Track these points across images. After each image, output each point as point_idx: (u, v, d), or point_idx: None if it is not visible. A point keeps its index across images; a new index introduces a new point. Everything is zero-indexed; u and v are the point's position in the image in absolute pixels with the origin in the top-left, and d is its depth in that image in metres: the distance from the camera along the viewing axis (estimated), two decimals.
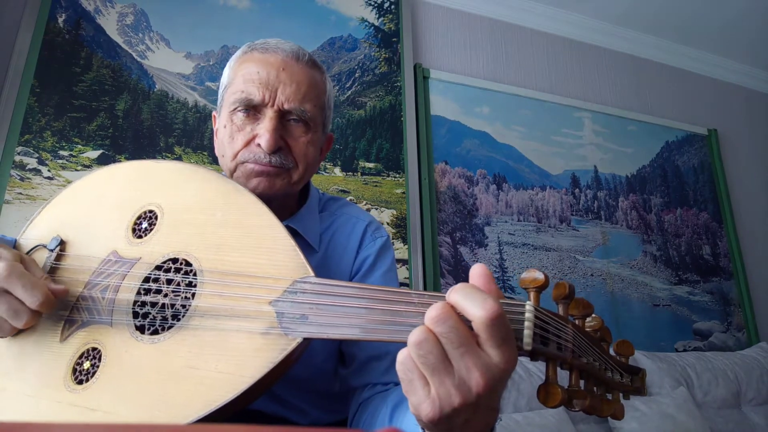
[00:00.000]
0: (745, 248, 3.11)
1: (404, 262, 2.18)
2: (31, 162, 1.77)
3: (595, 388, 0.53)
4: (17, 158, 1.75)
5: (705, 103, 3.35)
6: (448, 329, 0.46)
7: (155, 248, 0.71)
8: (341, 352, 0.94)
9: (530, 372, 2.02)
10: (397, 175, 2.32)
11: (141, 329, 0.66)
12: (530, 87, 2.81)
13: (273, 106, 0.84)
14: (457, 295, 0.47)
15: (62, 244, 0.76)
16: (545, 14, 2.92)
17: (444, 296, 0.50)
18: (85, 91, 1.90)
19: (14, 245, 0.80)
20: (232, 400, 0.57)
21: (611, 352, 0.57)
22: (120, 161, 1.88)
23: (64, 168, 1.81)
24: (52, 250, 0.75)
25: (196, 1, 2.18)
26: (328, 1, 2.43)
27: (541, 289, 0.52)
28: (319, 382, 0.91)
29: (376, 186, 2.27)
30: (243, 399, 0.58)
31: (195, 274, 0.67)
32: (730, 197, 3.16)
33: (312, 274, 0.61)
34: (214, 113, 0.98)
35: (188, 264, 0.69)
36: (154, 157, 1.95)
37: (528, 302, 0.50)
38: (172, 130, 2.01)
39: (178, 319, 0.65)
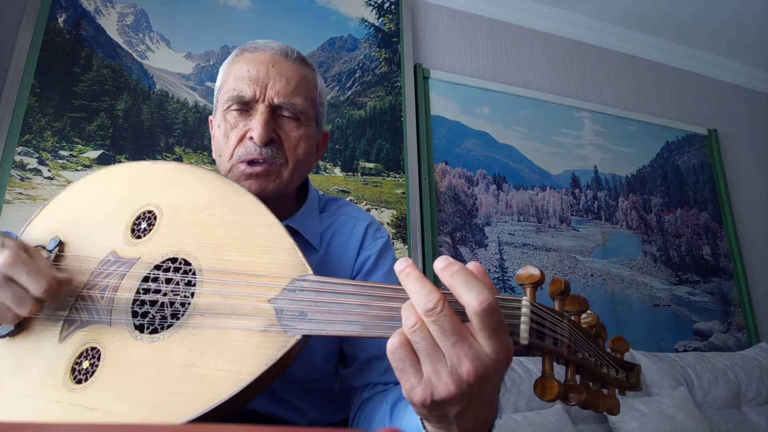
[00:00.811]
0: (745, 248, 3.11)
1: None
2: (32, 162, 1.77)
3: (591, 383, 0.54)
4: (17, 158, 1.75)
5: (705, 103, 3.35)
6: (442, 318, 0.47)
7: (154, 248, 0.71)
8: (342, 352, 0.94)
9: (530, 372, 2.02)
10: (397, 176, 2.32)
11: (140, 328, 0.66)
12: (530, 87, 2.81)
13: (264, 101, 0.86)
14: (454, 280, 0.48)
15: (61, 244, 0.76)
16: (545, 14, 2.92)
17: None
18: (85, 91, 1.90)
19: None
20: (232, 398, 0.57)
21: (607, 348, 0.58)
22: (120, 161, 1.88)
23: (64, 168, 1.81)
24: (50, 251, 0.75)
25: (196, 1, 2.19)
26: (328, 1, 2.43)
27: (537, 284, 0.52)
28: (320, 383, 0.92)
29: (376, 186, 2.27)
30: (243, 396, 0.58)
31: (194, 273, 0.67)
32: (730, 197, 3.16)
33: (311, 272, 0.61)
34: (210, 118, 1.00)
35: (187, 263, 0.69)
36: (154, 158, 1.95)
37: (524, 297, 0.51)
38: (172, 130, 2.01)
39: (178, 318, 0.65)
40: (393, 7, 2.54)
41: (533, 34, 2.93)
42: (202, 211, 0.72)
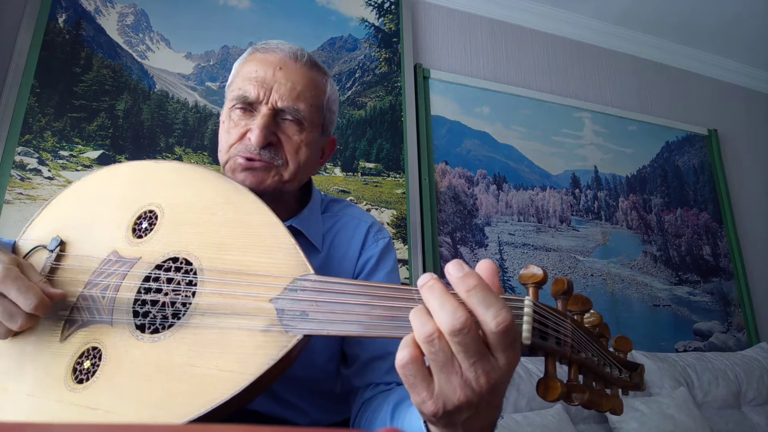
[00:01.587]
0: (745, 248, 3.11)
1: (404, 262, 2.18)
2: (32, 162, 1.77)
3: (594, 383, 0.53)
4: (17, 158, 1.75)
5: (705, 103, 3.35)
6: (470, 340, 0.45)
7: (155, 248, 0.71)
8: (343, 352, 0.94)
9: (530, 372, 2.02)
10: (398, 176, 2.32)
11: (141, 328, 0.66)
12: (530, 87, 2.81)
13: (267, 103, 0.86)
14: (472, 297, 0.46)
15: (62, 244, 0.76)
16: (545, 14, 2.92)
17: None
18: (85, 91, 1.90)
19: (13, 247, 0.80)
20: (233, 398, 0.57)
21: (610, 348, 0.57)
22: (120, 161, 1.88)
23: (64, 168, 1.81)
24: (52, 251, 0.75)
25: (196, 1, 2.19)
26: (328, 1, 2.43)
27: (539, 284, 0.52)
28: (322, 383, 0.92)
29: (376, 186, 2.27)
30: (244, 396, 0.58)
31: (195, 273, 0.67)
32: (730, 197, 3.16)
33: (312, 271, 0.61)
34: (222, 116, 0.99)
35: (188, 263, 0.69)
36: (154, 157, 1.95)
37: (527, 297, 0.50)
38: (172, 130, 2.01)
39: (179, 318, 0.65)
40: (393, 7, 2.54)
41: (533, 34, 2.93)
42: (203, 211, 0.72)
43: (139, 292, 0.69)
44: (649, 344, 2.58)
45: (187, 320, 0.64)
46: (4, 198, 1.70)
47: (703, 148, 3.22)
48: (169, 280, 0.68)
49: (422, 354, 0.47)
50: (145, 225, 0.75)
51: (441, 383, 0.47)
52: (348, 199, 2.16)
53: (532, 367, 2.04)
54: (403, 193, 2.29)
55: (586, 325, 0.55)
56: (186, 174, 0.78)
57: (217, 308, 0.63)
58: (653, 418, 2.00)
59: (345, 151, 2.28)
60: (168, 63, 2.09)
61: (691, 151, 3.18)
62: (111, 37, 2.02)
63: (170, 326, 0.65)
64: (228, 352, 0.60)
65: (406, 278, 2.16)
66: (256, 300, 0.61)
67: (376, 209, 2.22)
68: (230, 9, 2.23)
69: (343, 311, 0.56)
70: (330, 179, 2.21)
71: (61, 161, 1.81)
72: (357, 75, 2.41)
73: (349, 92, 2.38)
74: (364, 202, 2.22)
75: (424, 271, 2.20)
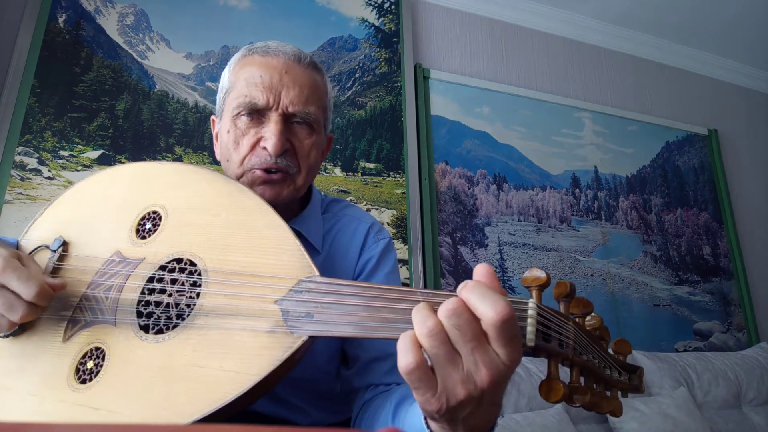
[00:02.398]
0: (745, 248, 3.11)
1: (404, 262, 2.18)
2: (32, 162, 1.77)
3: (594, 385, 0.54)
4: (17, 158, 1.75)
5: (705, 103, 3.36)
6: (463, 322, 0.47)
7: (159, 249, 0.71)
8: (344, 353, 0.94)
9: (530, 372, 2.02)
10: (398, 176, 2.32)
11: (145, 329, 0.66)
12: (530, 87, 2.82)
13: (278, 109, 0.84)
14: (469, 293, 0.48)
15: (65, 244, 0.76)
16: (545, 14, 2.92)
17: (448, 294, 0.51)
18: (85, 91, 1.90)
19: (16, 246, 0.80)
20: (237, 399, 0.57)
21: (610, 350, 0.58)
22: (120, 161, 1.88)
23: (64, 168, 1.81)
24: (54, 251, 0.75)
25: (196, 1, 2.18)
26: (328, 1, 2.43)
27: (543, 287, 0.52)
28: (322, 383, 0.92)
29: (376, 186, 2.27)
30: (248, 397, 0.58)
31: (200, 274, 0.67)
32: (730, 197, 3.17)
33: (317, 273, 0.61)
34: (213, 117, 0.99)
35: (193, 264, 0.69)
36: (154, 158, 1.95)
37: (531, 300, 0.51)
38: (172, 130, 2.01)
39: (183, 319, 0.65)
40: (393, 7, 2.54)
41: (533, 34, 2.93)
42: (207, 212, 0.72)
43: (142, 292, 0.69)
44: (649, 344, 2.58)
45: (192, 321, 0.64)
46: (4, 198, 1.70)
47: (703, 148, 3.22)
48: (173, 281, 0.68)
49: (424, 357, 0.48)
50: (148, 226, 0.75)
51: (443, 380, 0.48)
52: (348, 199, 2.17)
53: (532, 367, 2.05)
54: (403, 193, 2.29)
55: (588, 328, 0.55)
56: (189, 175, 0.78)
57: (221, 309, 0.63)
58: (653, 418, 2.00)
59: (345, 151, 2.28)
60: (168, 63, 2.09)
61: (691, 151, 3.19)
62: (111, 37, 2.02)
63: (174, 327, 0.65)
64: (232, 352, 0.60)
65: (406, 278, 2.16)
66: (261, 301, 0.62)
67: (376, 209, 2.22)
68: (230, 9, 2.23)
69: (347, 313, 0.56)
70: (330, 179, 2.21)
71: (61, 161, 1.81)
72: (357, 75, 2.41)
73: (349, 92, 2.38)
74: (364, 202, 2.22)
75: (424, 271, 2.20)
